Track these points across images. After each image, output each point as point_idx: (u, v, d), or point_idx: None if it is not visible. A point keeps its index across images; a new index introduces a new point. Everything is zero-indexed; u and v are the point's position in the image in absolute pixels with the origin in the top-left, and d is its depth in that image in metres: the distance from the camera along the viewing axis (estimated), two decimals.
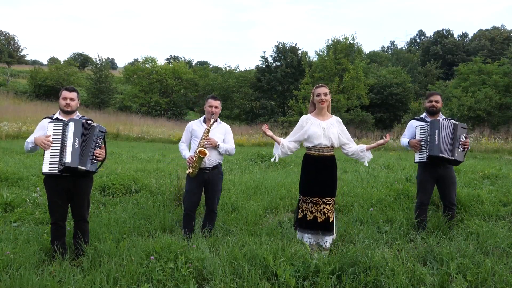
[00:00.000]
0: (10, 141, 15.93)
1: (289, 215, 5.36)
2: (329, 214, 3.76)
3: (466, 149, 4.27)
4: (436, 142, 4.14)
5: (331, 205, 3.79)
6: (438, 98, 4.39)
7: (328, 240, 3.79)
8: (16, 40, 55.59)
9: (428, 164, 4.33)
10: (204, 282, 3.21)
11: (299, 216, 3.90)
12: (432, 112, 4.40)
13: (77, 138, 3.46)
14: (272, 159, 4.10)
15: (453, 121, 4.28)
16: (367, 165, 4.05)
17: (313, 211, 3.77)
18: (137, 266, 3.23)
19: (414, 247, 3.97)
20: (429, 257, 3.55)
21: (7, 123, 18.85)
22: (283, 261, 3.21)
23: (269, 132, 3.81)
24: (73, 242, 3.79)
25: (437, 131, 4.16)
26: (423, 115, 4.52)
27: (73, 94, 3.68)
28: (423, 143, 4.29)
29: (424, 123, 4.36)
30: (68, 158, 3.40)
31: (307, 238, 3.83)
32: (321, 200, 3.77)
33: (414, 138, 4.42)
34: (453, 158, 4.15)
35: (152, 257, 3.31)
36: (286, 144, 3.91)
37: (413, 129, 4.48)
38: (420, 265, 3.35)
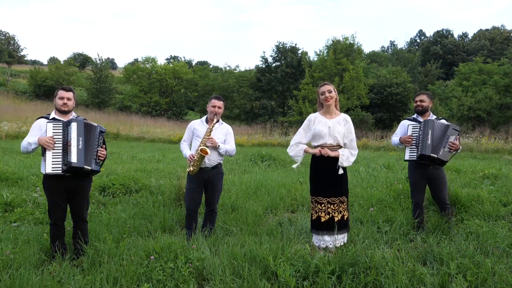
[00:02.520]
0: (10, 141, 15.93)
1: (289, 215, 5.36)
2: (344, 212, 3.80)
3: (453, 151, 4.27)
4: (429, 142, 4.17)
5: (345, 203, 3.82)
6: (422, 97, 4.45)
7: (341, 238, 3.80)
8: (16, 40, 55.68)
9: (418, 164, 4.39)
10: (204, 282, 3.21)
11: (313, 218, 3.87)
12: (419, 111, 4.48)
13: (80, 138, 3.46)
14: (295, 166, 3.99)
15: (445, 121, 4.32)
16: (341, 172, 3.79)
17: (330, 211, 3.77)
18: (137, 266, 3.23)
19: (414, 247, 3.97)
20: (429, 257, 3.56)
21: (7, 123, 18.84)
22: (283, 261, 3.21)
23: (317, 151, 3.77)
24: (72, 242, 3.79)
25: (430, 131, 4.20)
26: (415, 115, 4.57)
27: (70, 94, 3.67)
28: (414, 141, 4.32)
29: (416, 123, 4.41)
30: (73, 158, 3.40)
31: (325, 240, 3.77)
32: (338, 199, 3.79)
33: None
34: (436, 156, 4.16)
35: (152, 257, 3.31)
36: (301, 147, 3.89)
37: (405, 128, 4.53)
38: (420, 265, 3.35)
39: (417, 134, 4.32)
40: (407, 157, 4.42)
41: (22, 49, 56.80)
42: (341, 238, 3.79)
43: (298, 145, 3.87)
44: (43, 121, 3.60)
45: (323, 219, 3.77)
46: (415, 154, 4.30)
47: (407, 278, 3.03)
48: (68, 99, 3.64)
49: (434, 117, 4.42)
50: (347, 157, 3.76)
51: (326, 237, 3.77)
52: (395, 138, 4.60)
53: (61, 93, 3.64)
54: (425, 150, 4.18)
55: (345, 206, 3.81)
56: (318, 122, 3.81)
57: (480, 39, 46.52)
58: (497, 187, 6.65)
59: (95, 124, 3.65)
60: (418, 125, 4.34)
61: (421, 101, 4.43)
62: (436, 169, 4.38)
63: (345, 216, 3.82)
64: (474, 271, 3.18)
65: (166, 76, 36.07)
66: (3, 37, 53.28)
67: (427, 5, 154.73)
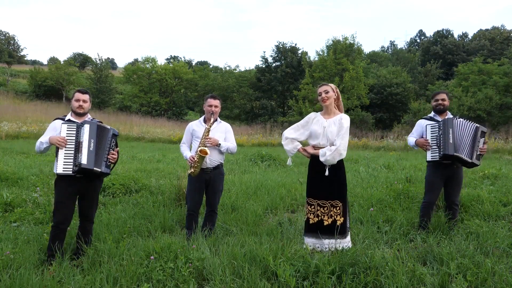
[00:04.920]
0: (10, 141, 15.92)
1: (289, 215, 5.36)
2: (336, 217, 3.71)
3: (482, 154, 4.25)
4: (451, 141, 4.10)
5: (338, 208, 3.71)
6: (444, 96, 4.40)
7: (344, 243, 3.69)
8: (16, 40, 55.65)
9: (439, 164, 4.30)
10: (204, 282, 3.21)
11: (305, 220, 3.86)
12: (439, 110, 4.41)
13: (92, 140, 3.49)
14: (288, 162, 4.04)
15: (471, 122, 4.24)
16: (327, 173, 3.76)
17: (319, 214, 3.73)
18: (137, 266, 3.23)
19: (414, 247, 3.97)
20: (429, 257, 3.55)
21: (7, 123, 18.85)
22: (283, 261, 3.21)
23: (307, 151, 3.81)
24: (75, 241, 3.78)
25: (451, 129, 4.13)
26: (432, 114, 4.50)
27: (86, 96, 3.73)
28: (435, 141, 4.25)
29: (434, 122, 4.33)
30: (84, 160, 3.42)
31: (310, 242, 3.76)
32: (329, 202, 3.73)
33: (422, 137, 4.41)
34: (471, 161, 4.14)
35: (152, 257, 3.31)
36: (296, 144, 3.91)
37: (422, 128, 4.46)
38: (420, 265, 3.35)
39: (437, 134, 4.23)
40: (429, 157, 4.32)
41: (22, 49, 56.83)
42: (331, 244, 3.66)
43: (293, 142, 3.87)
44: (58, 122, 3.65)
45: (311, 221, 3.75)
46: (437, 154, 4.21)
47: (407, 278, 3.03)
48: (84, 101, 3.70)
49: (452, 115, 4.36)
50: (324, 153, 3.67)
51: (311, 240, 3.74)
52: (411, 138, 4.53)
53: (77, 95, 3.70)
54: (448, 150, 4.09)
55: (337, 211, 3.70)
56: (316, 122, 3.82)
57: (480, 39, 46.50)
58: (497, 187, 6.65)
59: (108, 127, 3.67)
60: (437, 124, 4.26)
61: (442, 100, 4.38)
62: (457, 169, 4.31)
63: (338, 222, 3.68)
64: (474, 271, 3.18)
65: (166, 76, 36.07)
66: (3, 37, 53.26)
67: (427, 5, 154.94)
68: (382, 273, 3.06)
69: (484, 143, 4.22)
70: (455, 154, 4.09)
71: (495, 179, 7.48)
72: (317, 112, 3.97)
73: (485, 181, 7.23)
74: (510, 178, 7.52)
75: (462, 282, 3.02)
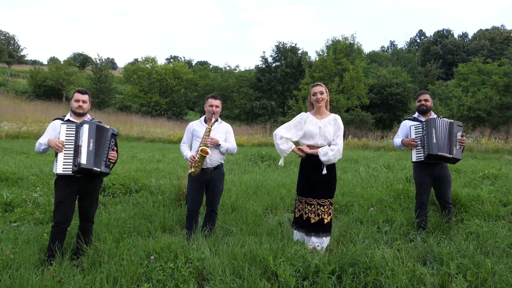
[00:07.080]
0: (10, 141, 15.93)
1: (289, 215, 5.36)
2: (323, 215, 3.74)
3: (463, 147, 4.31)
4: (434, 141, 4.16)
5: (326, 207, 3.75)
6: (427, 97, 4.46)
7: (324, 241, 3.77)
8: (16, 40, 55.60)
9: (425, 163, 4.35)
10: (204, 282, 3.21)
11: (296, 216, 3.90)
12: (422, 111, 4.46)
13: (91, 140, 3.50)
14: (280, 163, 4.03)
15: (447, 119, 4.31)
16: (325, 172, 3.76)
17: (307, 211, 3.76)
18: (137, 266, 3.23)
19: (414, 247, 3.97)
20: (429, 257, 3.56)
21: (7, 123, 18.87)
22: (283, 261, 3.21)
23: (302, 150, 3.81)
24: (76, 241, 3.79)
25: (434, 129, 4.19)
26: (416, 115, 4.56)
27: (85, 97, 3.75)
28: (419, 142, 4.30)
29: (418, 123, 4.38)
30: (83, 159, 3.43)
31: (301, 236, 3.84)
32: (316, 201, 3.75)
33: (407, 138, 4.45)
34: (451, 156, 4.18)
35: (152, 257, 3.31)
36: (291, 144, 3.90)
37: (407, 129, 4.51)
38: (420, 265, 3.35)
39: (421, 134, 4.29)
40: (414, 158, 4.38)
41: (22, 49, 56.77)
42: (324, 241, 3.77)
43: (288, 142, 3.87)
44: (57, 122, 3.66)
45: (312, 221, 3.75)
46: (422, 154, 4.27)
47: (407, 278, 3.03)
48: (84, 101, 3.72)
49: (435, 116, 4.41)
50: (325, 152, 3.69)
51: (314, 239, 3.75)
52: (397, 139, 4.58)
53: (77, 95, 3.72)
54: (432, 150, 4.15)
55: (324, 210, 3.75)
56: (309, 123, 3.83)
57: (480, 39, 46.55)
58: (497, 187, 6.65)
59: (107, 127, 3.68)
60: (420, 124, 4.32)
61: (425, 100, 4.43)
62: (443, 168, 4.37)
63: (325, 220, 3.75)
64: (474, 271, 3.18)
65: (166, 76, 36.08)
66: (3, 37, 53.24)
67: (427, 5, 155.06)
68: (382, 273, 3.06)
69: (461, 136, 4.28)
70: (439, 153, 4.14)
71: (495, 179, 7.48)
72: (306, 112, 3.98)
73: (485, 181, 7.23)
74: (510, 178, 7.52)
75: (462, 282, 3.02)
